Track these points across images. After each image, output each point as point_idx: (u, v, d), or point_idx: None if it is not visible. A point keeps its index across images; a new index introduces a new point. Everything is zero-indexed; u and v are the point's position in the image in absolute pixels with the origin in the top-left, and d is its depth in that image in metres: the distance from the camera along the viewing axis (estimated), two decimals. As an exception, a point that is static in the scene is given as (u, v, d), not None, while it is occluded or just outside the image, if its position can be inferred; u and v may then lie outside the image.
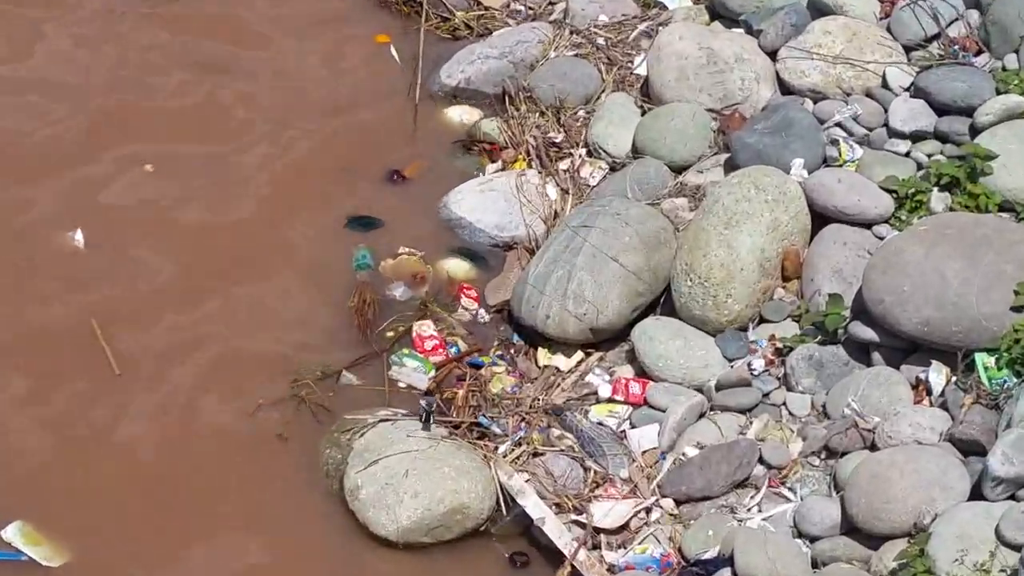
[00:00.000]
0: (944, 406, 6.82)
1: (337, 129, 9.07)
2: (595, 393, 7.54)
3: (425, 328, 7.89)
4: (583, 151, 8.69)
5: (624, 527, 6.98)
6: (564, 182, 8.58)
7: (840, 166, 7.86)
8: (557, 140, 8.81)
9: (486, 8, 9.75)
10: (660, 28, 9.05)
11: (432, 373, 7.72)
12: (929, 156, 7.80)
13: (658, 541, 6.91)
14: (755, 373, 7.34)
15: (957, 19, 8.27)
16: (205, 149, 8.93)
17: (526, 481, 7.16)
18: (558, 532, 6.99)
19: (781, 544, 6.54)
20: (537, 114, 8.94)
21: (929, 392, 6.93)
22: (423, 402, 7.40)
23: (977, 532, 6.15)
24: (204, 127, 9.06)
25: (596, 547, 6.96)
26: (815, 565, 6.54)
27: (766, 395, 7.29)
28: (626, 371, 7.60)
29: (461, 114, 9.18)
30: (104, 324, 7.88)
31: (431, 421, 7.33)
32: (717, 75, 8.48)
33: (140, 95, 9.23)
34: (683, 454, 7.12)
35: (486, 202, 8.53)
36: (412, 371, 7.73)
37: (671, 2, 9.35)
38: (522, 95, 9.05)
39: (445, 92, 9.28)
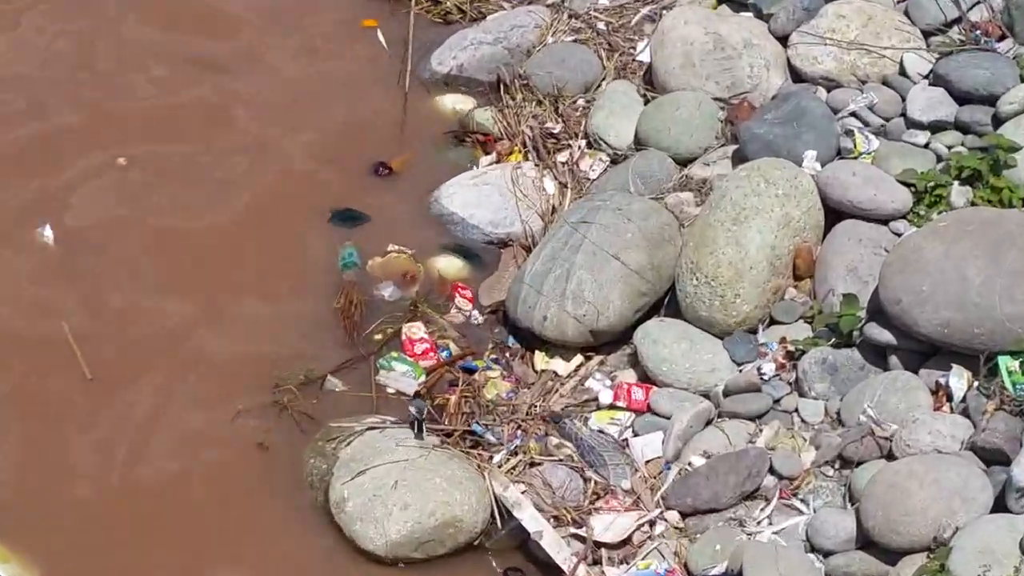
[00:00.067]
0: (965, 412, 6.79)
1: (321, 119, 9.05)
2: (595, 399, 7.52)
3: (415, 330, 7.87)
4: (582, 142, 8.67)
5: (626, 541, 6.96)
6: (562, 175, 8.56)
7: (855, 158, 7.84)
8: (555, 131, 8.79)
9: (479, -10, 9.75)
10: (664, 12, 9.03)
11: (422, 378, 7.70)
12: (949, 148, 7.78)
13: (662, 556, 6.87)
14: (765, 378, 7.30)
15: (979, 2, 8.27)
16: (182, 140, 8.91)
17: (522, 492, 7.14)
18: (556, 547, 6.96)
19: (793, 559, 6.52)
20: (534, 103, 8.92)
21: (949, 398, 6.90)
22: (412, 407, 7.36)
23: (1000, 546, 6.14)
24: (181, 118, 9.03)
25: (597, 563, 6.93)
26: (829, 581, 6.53)
27: (777, 401, 7.26)
28: (628, 376, 7.58)
29: (453, 103, 9.16)
30: (75, 325, 7.86)
31: (423, 428, 7.29)
32: (725, 62, 8.46)
33: (115, 87, 9.20)
34: (689, 464, 7.10)
35: (480, 197, 8.50)
36: (401, 376, 7.70)
37: (676, -15, 9.37)
38: (518, 83, 9.02)
39: (436, 80, 9.26)
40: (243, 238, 8.39)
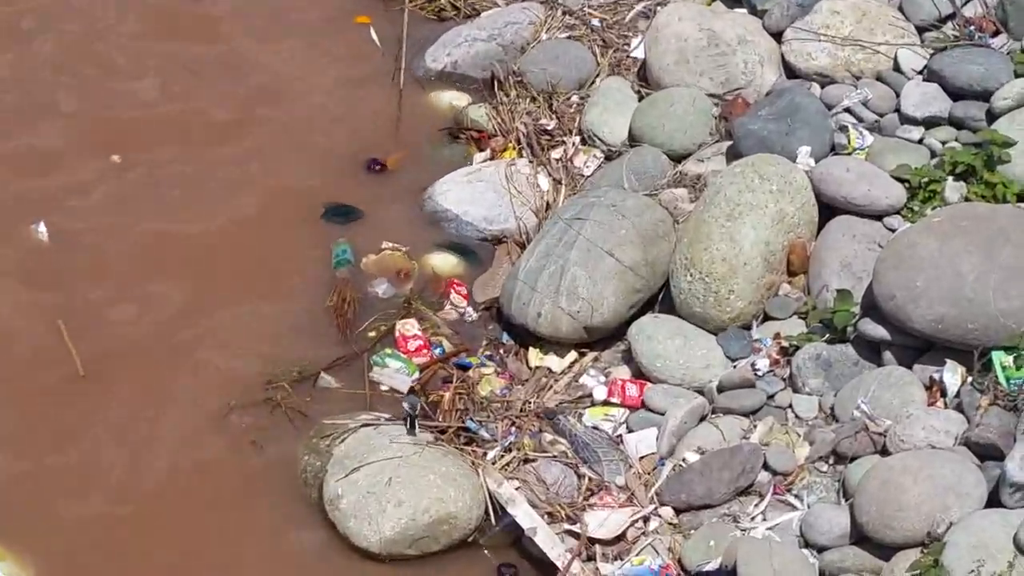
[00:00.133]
0: (959, 408, 6.84)
1: (313, 116, 9.08)
2: (590, 395, 7.56)
3: (409, 327, 7.90)
4: (576, 139, 8.71)
5: (620, 537, 6.99)
6: (556, 172, 8.61)
7: (849, 154, 7.89)
8: (549, 127, 8.83)
9: (473, -13, 9.78)
10: (658, 8, 9.06)
11: (416, 375, 7.72)
12: (943, 143, 7.82)
13: (656, 552, 6.90)
14: (759, 374, 7.36)
15: (973, -2, 8.30)
16: (174, 139, 8.93)
17: (516, 489, 7.18)
18: (550, 543, 7.00)
19: (787, 555, 6.55)
20: (528, 100, 8.96)
21: (943, 393, 6.95)
22: (406, 403, 7.39)
23: (994, 541, 6.16)
24: (173, 116, 9.06)
25: (591, 559, 6.96)
26: (823, 576, 6.57)
27: (771, 397, 7.31)
28: (622, 372, 7.62)
29: (447, 100, 9.19)
30: (69, 322, 7.89)
31: (416, 424, 7.33)
32: (719, 58, 8.51)
33: (106, 84, 9.24)
34: (683, 460, 7.12)
35: (474, 193, 8.54)
36: (395, 373, 7.73)
37: (670, -20, 9.39)
38: (512, 80, 9.06)
39: (430, 77, 9.29)
40: (236, 236, 8.41)
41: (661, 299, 7.80)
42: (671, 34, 8.58)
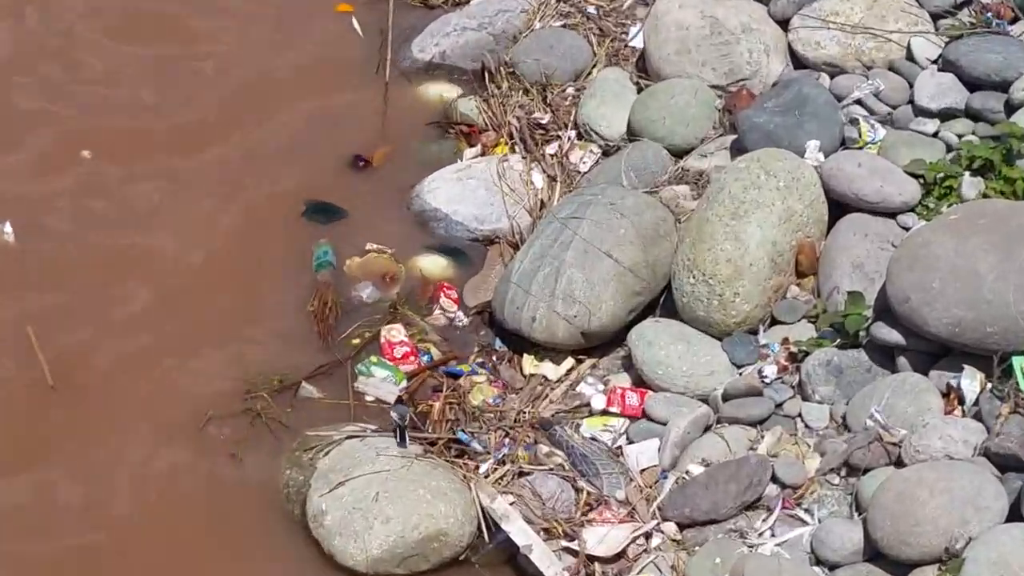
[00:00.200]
0: (978, 416, 6.81)
1: (294, 111, 9.06)
2: (587, 405, 7.54)
3: (395, 333, 7.88)
4: (572, 133, 8.70)
5: (621, 555, 6.97)
6: (551, 168, 8.59)
7: (860, 148, 7.87)
8: (543, 121, 8.80)
9: (463, -27, 9.78)
10: (658, -5, 9.06)
11: (404, 383, 7.71)
12: (960, 136, 7.81)
13: (659, 570, 6.88)
14: (767, 381, 7.33)
15: (990, -17, 8.30)
16: (146, 132, 8.92)
17: (511, 504, 7.16)
18: (547, 561, 6.98)
19: (797, 572, 6.54)
20: (521, 92, 8.95)
21: (961, 401, 6.92)
22: (395, 413, 7.37)
23: (1016, 558, 6.15)
24: (144, 107, 9.05)
25: (590, 577, 6.97)
26: (835, 595, 6.57)
27: (779, 405, 7.28)
28: (622, 380, 7.61)
29: (435, 93, 9.18)
30: (36, 328, 7.87)
31: (406, 435, 7.31)
32: (722, 47, 8.50)
33: (72, 71, 9.24)
34: (686, 472, 7.11)
35: (464, 191, 8.52)
36: (381, 382, 7.71)
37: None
38: (504, 71, 9.04)
39: (417, 68, 9.28)
40: (212, 235, 8.40)
41: (662, 302, 7.79)
42: (671, 22, 8.57)
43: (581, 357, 7.77)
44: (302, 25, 9.56)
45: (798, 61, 8.46)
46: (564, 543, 7.01)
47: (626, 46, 9.04)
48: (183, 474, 7.41)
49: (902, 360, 7.12)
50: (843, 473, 6.96)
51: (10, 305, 8.01)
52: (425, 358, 7.84)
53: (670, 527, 7.00)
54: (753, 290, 7.44)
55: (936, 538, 6.33)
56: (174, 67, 9.26)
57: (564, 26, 9.22)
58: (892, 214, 7.59)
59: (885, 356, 7.20)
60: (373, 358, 7.79)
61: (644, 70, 8.74)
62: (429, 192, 8.54)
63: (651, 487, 7.14)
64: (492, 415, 7.56)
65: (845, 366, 7.22)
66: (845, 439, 7.02)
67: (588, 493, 7.18)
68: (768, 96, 8.17)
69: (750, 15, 8.57)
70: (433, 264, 8.32)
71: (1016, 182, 7.47)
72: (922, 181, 7.60)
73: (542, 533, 7.05)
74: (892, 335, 7.09)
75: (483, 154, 8.80)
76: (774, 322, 7.54)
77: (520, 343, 7.81)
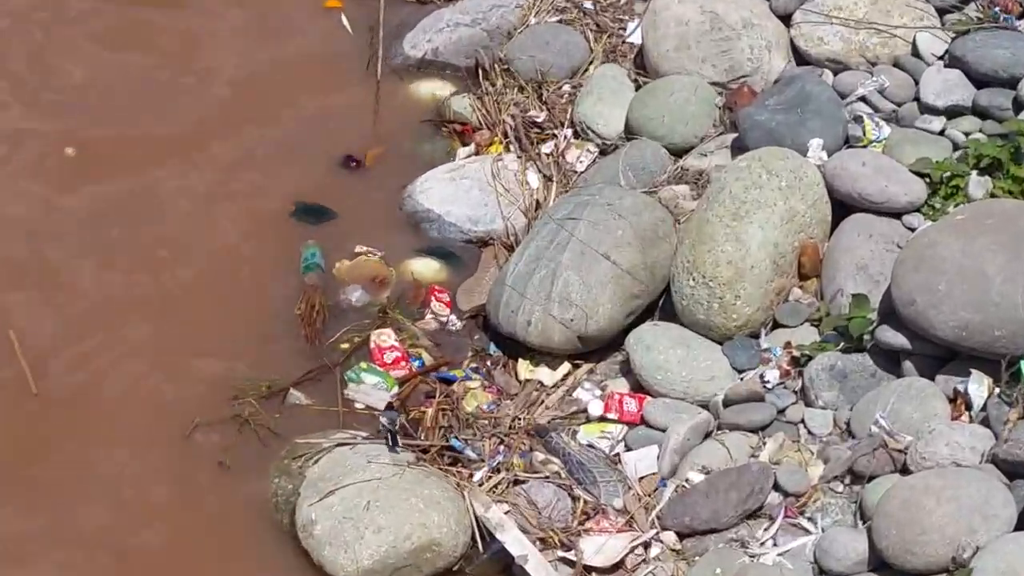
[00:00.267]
0: (986, 422, 6.82)
1: (282, 109, 9.05)
2: (584, 411, 7.54)
3: (385, 338, 7.87)
4: (568, 132, 8.70)
5: (619, 565, 6.97)
6: (547, 168, 8.59)
7: (864, 147, 7.88)
8: (539, 119, 8.81)
9: (456, -33, 9.78)
10: (656, -11, 9.07)
11: (395, 389, 7.70)
12: (967, 134, 7.82)
13: (658, 581, 6.90)
14: (768, 386, 7.34)
15: (997, -23, 8.31)
16: (131, 133, 8.91)
17: (506, 513, 7.15)
18: (543, 572, 6.98)
19: (800, 583, 6.56)
20: (515, 90, 8.96)
21: (968, 406, 6.92)
22: (384, 419, 7.36)
23: (1026, 567, 6.16)
24: (126, 107, 9.04)
25: (587, 588, 6.97)
26: (839, 606, 6.56)
27: (781, 411, 7.29)
28: (620, 385, 7.61)
29: (428, 91, 9.18)
30: (19, 333, 7.89)
31: (398, 439, 7.30)
32: (722, 43, 8.50)
33: (53, 68, 9.25)
34: (686, 480, 7.12)
35: (457, 192, 8.53)
36: (371, 388, 7.70)
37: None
38: (498, 68, 9.06)
39: (409, 65, 9.28)
40: (197, 237, 8.39)
41: (661, 305, 7.79)
42: (670, 17, 8.57)
43: (578, 362, 7.77)
44: (290, 22, 9.56)
45: (800, 57, 8.47)
46: (560, 553, 7.02)
47: (624, 42, 9.04)
48: (169, 483, 7.41)
49: (907, 364, 7.13)
50: (847, 481, 6.96)
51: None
52: (416, 363, 7.84)
53: (669, 536, 7.00)
54: (754, 293, 7.44)
55: (943, 547, 6.33)
56: (160, 68, 9.27)
57: (560, 22, 9.22)
58: (897, 214, 7.59)
59: (890, 360, 7.20)
60: (363, 364, 7.79)
61: (642, 67, 8.74)
62: (421, 192, 8.54)
63: (650, 495, 7.14)
64: (486, 422, 7.56)
65: (849, 371, 7.23)
66: (849, 446, 7.02)
67: (585, 502, 7.17)
68: (770, 93, 8.18)
69: (751, 10, 8.58)
70: (425, 267, 8.32)
71: (1024, 181, 7.48)
72: (928, 180, 7.60)
73: (538, 543, 7.05)
74: (897, 339, 7.09)
75: (477, 153, 8.80)
76: (776, 325, 7.55)
77: (515, 347, 7.80)
